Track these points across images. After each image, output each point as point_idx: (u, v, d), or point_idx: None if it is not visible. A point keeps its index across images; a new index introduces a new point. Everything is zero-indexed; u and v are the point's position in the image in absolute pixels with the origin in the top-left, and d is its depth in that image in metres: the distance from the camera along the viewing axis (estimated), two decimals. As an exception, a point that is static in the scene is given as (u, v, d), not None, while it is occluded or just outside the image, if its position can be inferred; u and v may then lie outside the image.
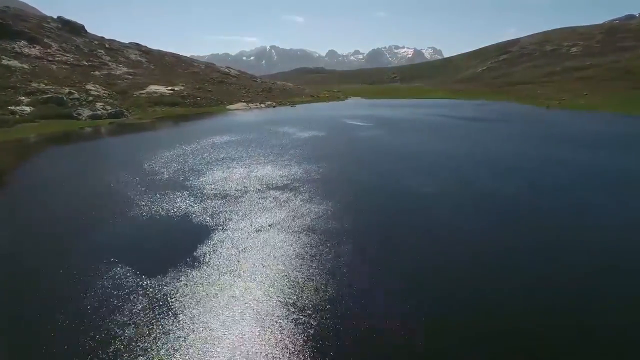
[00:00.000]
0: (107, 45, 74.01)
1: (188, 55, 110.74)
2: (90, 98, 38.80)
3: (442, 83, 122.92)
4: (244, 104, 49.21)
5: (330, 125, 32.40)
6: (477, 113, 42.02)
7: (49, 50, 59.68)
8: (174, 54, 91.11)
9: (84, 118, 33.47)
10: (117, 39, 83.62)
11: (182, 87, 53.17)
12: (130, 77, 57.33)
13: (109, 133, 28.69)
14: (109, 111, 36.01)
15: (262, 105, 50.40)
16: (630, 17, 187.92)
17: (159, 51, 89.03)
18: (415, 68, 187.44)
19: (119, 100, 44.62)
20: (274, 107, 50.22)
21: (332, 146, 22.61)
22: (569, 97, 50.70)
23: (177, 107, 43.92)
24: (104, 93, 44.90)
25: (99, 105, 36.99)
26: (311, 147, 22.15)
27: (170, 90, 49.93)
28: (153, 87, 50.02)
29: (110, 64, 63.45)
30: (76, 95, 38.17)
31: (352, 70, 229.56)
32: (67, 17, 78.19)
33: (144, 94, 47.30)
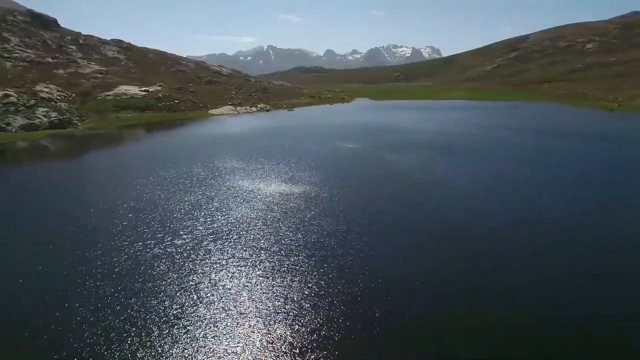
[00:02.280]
0: (81, 41, 65.66)
1: (185, 56, 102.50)
2: (32, 102, 30.53)
3: (449, 82, 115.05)
4: (232, 107, 40.92)
5: (362, 158, 20.12)
6: (570, 120, 31.51)
7: (6, 45, 51.36)
8: (159, 51, 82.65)
9: (13, 129, 25.31)
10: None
11: (159, 88, 44.98)
12: (100, 75, 49.05)
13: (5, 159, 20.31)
14: (52, 119, 27.82)
15: (254, 108, 42.12)
16: (637, 13, 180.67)
17: (144, 48, 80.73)
18: (418, 67, 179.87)
19: (77, 103, 36.46)
20: (267, 110, 41.98)
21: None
22: (625, 98, 42.39)
23: (148, 111, 35.82)
24: (59, 95, 36.72)
25: (41, 111, 28.76)
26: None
27: (144, 91, 41.75)
28: (123, 88, 41.85)
29: (79, 61, 55.13)
30: (14, 98, 29.91)
31: (352, 69, 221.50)
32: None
33: (110, 95, 39.15)
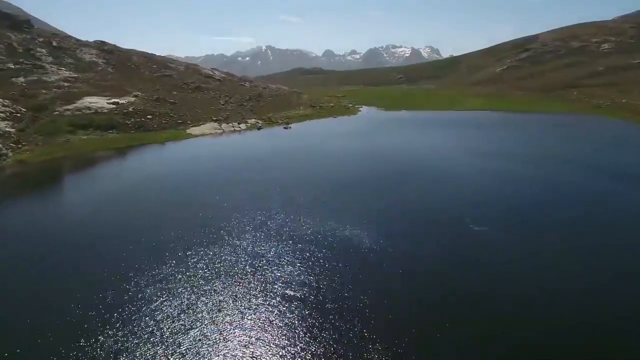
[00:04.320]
0: (54, 43, 58.83)
1: (183, 57, 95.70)
2: (-45, 124, 23.84)
3: (456, 85, 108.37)
4: (216, 124, 34.21)
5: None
6: None
7: (-40, 49, 44.86)
8: (146, 53, 75.88)
9: None
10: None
11: (133, 99, 38.33)
12: (67, 84, 42.36)
13: None
14: (-27, 149, 20.98)
15: (243, 125, 35.38)
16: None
17: (129, 50, 73.94)
18: (421, 68, 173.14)
19: (26, 121, 29.81)
20: (259, 128, 35.29)
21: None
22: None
23: (111, 131, 29.23)
24: (3, 111, 30.04)
25: (-40, 137, 21.98)
26: None
27: (113, 103, 35.12)
28: (88, 100, 35.24)
29: (48, 66, 48.44)
30: None
31: (352, 70, 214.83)
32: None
33: (69, 110, 32.55)
